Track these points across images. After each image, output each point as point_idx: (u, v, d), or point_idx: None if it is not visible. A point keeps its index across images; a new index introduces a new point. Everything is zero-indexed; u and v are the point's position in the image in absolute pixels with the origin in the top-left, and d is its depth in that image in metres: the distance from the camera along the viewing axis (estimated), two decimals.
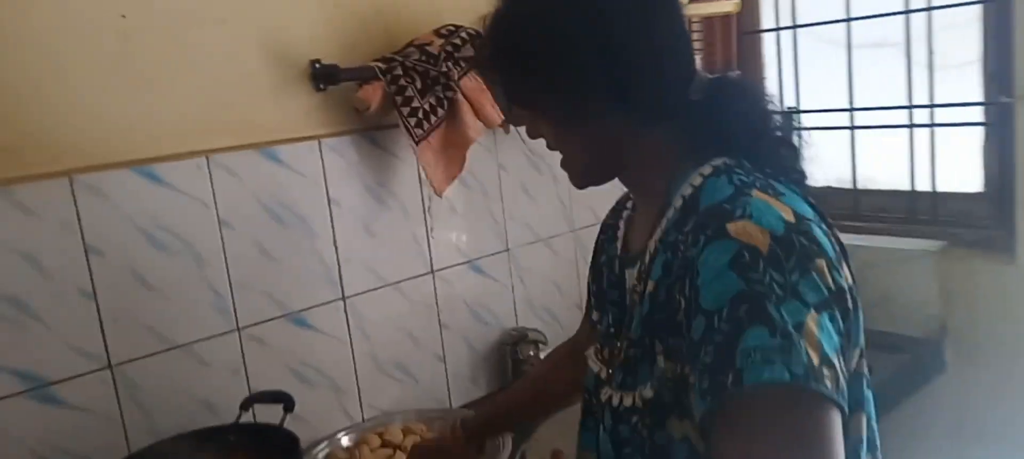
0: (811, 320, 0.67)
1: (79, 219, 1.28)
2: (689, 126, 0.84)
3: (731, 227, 0.71)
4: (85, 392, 1.30)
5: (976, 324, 1.85)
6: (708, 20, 2.15)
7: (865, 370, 0.80)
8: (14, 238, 1.23)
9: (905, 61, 1.94)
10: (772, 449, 0.65)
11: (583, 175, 0.90)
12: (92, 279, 1.30)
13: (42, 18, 1.25)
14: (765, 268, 0.68)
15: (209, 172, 1.42)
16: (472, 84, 1.64)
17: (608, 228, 1.02)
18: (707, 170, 0.81)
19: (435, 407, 1.74)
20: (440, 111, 1.59)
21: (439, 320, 1.78)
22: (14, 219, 1.23)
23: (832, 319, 0.69)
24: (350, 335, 1.63)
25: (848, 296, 0.73)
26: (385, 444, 1.52)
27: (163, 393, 1.38)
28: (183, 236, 1.39)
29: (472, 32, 1.66)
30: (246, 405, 1.41)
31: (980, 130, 1.86)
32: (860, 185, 2.09)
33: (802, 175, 0.85)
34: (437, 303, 1.77)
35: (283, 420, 1.35)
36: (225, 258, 1.44)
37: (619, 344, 0.88)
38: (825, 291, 0.70)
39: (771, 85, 2.22)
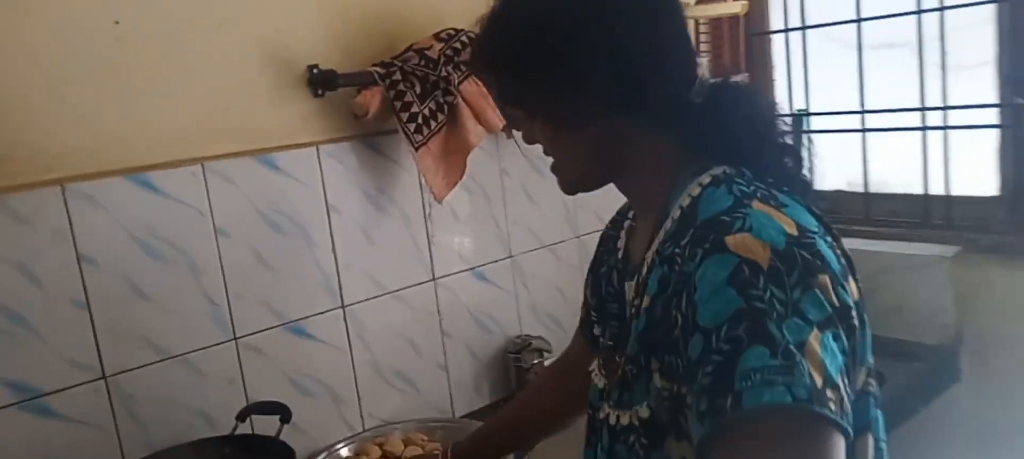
0: (814, 339, 0.64)
1: (72, 228, 1.27)
2: (689, 130, 0.81)
3: (730, 240, 0.68)
4: (79, 403, 1.29)
5: (992, 332, 1.80)
6: (716, 21, 2.12)
7: (873, 389, 0.77)
8: (6, 247, 1.22)
9: (917, 62, 1.90)
10: None
11: (576, 180, 0.87)
12: (86, 289, 1.29)
13: (34, 24, 1.23)
14: (765, 284, 0.65)
15: (205, 180, 1.40)
16: (473, 89, 1.62)
17: (608, 238, 1.00)
18: (706, 179, 0.78)
19: (437, 416, 1.72)
20: (440, 116, 1.57)
21: (441, 328, 1.75)
22: (6, 228, 1.22)
23: (836, 338, 0.66)
24: (350, 344, 1.61)
25: (854, 313, 0.70)
26: (385, 454, 1.50)
27: (158, 404, 1.37)
28: (178, 245, 1.37)
29: (472, 36, 1.64)
30: (242, 416, 1.40)
31: (995, 132, 1.82)
32: (872, 189, 2.04)
33: (807, 184, 0.82)
34: (439, 310, 1.74)
35: (279, 431, 1.33)
36: (221, 267, 1.42)
37: (618, 360, 0.85)
38: (829, 308, 0.67)
39: (780, 87, 2.19)
